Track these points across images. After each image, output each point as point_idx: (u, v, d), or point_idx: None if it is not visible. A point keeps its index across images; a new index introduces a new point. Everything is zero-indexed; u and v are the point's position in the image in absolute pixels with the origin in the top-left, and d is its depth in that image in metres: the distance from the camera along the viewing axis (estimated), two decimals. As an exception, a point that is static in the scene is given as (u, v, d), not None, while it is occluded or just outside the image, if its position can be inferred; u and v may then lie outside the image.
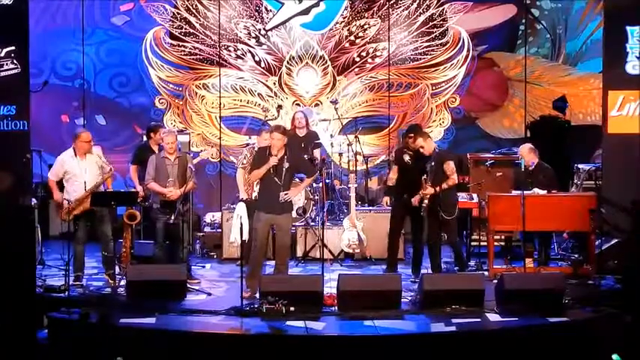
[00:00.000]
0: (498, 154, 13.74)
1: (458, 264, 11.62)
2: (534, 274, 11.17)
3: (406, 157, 11.69)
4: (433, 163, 11.27)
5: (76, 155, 11.17)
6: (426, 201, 11.24)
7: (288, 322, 9.44)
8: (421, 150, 11.35)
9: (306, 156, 13.02)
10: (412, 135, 11.69)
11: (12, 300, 9.55)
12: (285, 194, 10.52)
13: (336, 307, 9.95)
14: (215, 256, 13.18)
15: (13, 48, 11.55)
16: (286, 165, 10.52)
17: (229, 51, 15.37)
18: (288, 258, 10.99)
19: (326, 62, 15.46)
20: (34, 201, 12.21)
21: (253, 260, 10.53)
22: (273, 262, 11.09)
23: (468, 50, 15.52)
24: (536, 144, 12.64)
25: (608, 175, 12.36)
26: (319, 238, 12.16)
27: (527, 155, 11.89)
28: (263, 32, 15.39)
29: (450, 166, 11.23)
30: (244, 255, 10.42)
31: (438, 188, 11.13)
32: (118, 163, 12.87)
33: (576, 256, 12.08)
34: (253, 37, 15.37)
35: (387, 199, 12.45)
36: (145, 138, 12.87)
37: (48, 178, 11.31)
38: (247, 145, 13.43)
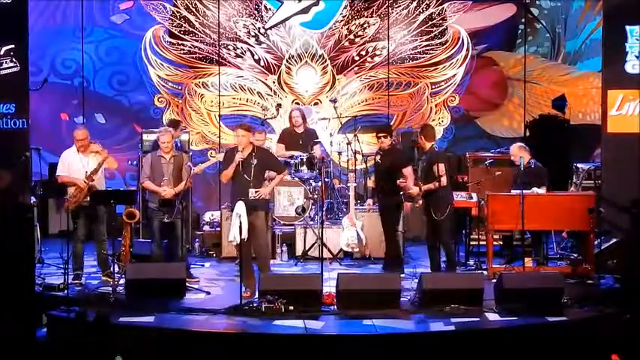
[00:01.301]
0: (497, 153, 13.73)
1: (447, 265, 11.53)
2: (533, 273, 11.17)
3: (377, 158, 11.77)
4: (425, 163, 11.28)
5: (78, 151, 11.23)
6: (420, 201, 11.28)
7: (287, 321, 9.44)
8: (421, 146, 11.36)
9: (306, 154, 13.05)
10: (379, 135, 11.75)
11: (11, 298, 9.56)
12: (256, 192, 10.49)
13: (335, 306, 9.95)
14: (214, 255, 13.17)
15: (12, 46, 11.55)
16: (254, 161, 10.50)
17: (229, 50, 15.37)
18: (269, 257, 10.94)
19: (325, 61, 15.46)
20: (33, 199, 12.22)
21: (242, 260, 10.50)
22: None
23: (468, 49, 15.53)
24: (535, 143, 12.65)
25: (607, 174, 12.36)
26: (318, 237, 12.15)
27: (517, 154, 11.89)
28: (262, 31, 15.39)
29: (440, 168, 11.09)
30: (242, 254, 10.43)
31: (424, 187, 11.13)
32: (117, 162, 12.87)
33: (575, 255, 12.07)
34: (253, 36, 15.37)
35: (369, 201, 12.57)
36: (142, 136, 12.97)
37: (58, 177, 11.31)
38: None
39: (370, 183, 13.88)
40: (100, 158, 11.26)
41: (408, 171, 11.35)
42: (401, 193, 11.39)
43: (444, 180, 11.08)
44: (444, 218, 11.17)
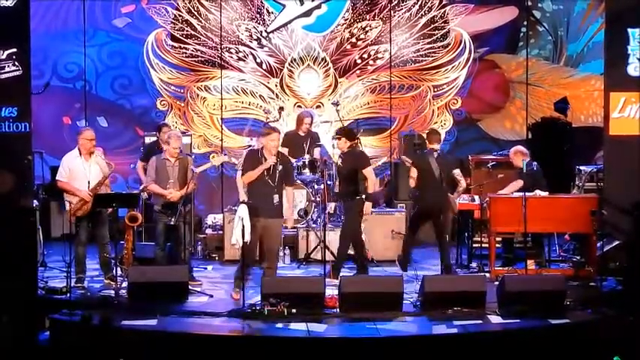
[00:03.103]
0: (500, 156, 13.72)
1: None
2: (535, 275, 11.18)
3: (339, 161, 11.82)
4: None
5: (80, 155, 11.23)
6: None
7: (290, 324, 9.44)
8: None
9: (308, 156, 13.04)
10: (334, 136, 12.03)
11: (13, 302, 9.56)
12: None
13: (338, 309, 9.95)
14: (217, 258, 13.17)
15: (14, 50, 11.52)
16: (279, 167, 10.47)
17: (231, 53, 15.37)
18: (277, 262, 10.91)
19: (327, 64, 15.47)
20: (35, 203, 12.21)
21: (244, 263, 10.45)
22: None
23: (470, 52, 15.53)
24: (537, 146, 12.63)
25: (609, 176, 12.33)
26: (321, 239, 12.15)
27: (513, 157, 11.96)
28: (265, 34, 15.40)
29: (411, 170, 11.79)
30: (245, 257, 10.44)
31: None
32: (119, 165, 12.89)
33: (578, 257, 12.08)
34: (255, 39, 15.38)
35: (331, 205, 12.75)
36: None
37: (58, 181, 11.30)
38: (249, 147, 13.42)
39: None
40: (102, 164, 11.28)
41: (368, 171, 11.44)
42: (362, 195, 11.44)
43: (409, 181, 11.76)
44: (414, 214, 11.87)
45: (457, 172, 11.74)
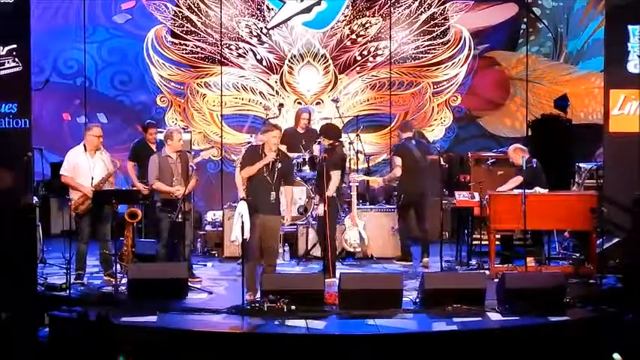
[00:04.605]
0: (500, 153, 13.72)
1: None
2: (535, 273, 11.17)
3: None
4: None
5: (85, 151, 11.21)
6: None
7: (290, 321, 9.44)
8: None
9: (307, 153, 13.04)
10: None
11: (13, 298, 9.56)
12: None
13: (338, 306, 9.95)
14: (216, 255, 13.17)
15: (14, 46, 11.56)
16: (279, 165, 10.45)
17: (231, 49, 15.37)
18: (277, 260, 10.89)
19: (327, 61, 15.46)
20: (35, 199, 12.22)
21: (250, 266, 10.45)
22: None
23: (470, 49, 15.53)
24: (537, 143, 12.62)
25: (609, 174, 12.35)
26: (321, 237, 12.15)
27: (512, 155, 11.97)
28: (265, 31, 15.39)
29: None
30: (245, 254, 10.43)
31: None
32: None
33: (577, 255, 12.08)
34: (255, 36, 15.38)
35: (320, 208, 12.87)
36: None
37: (62, 176, 11.27)
38: (249, 143, 13.42)
39: (372, 183, 13.90)
40: (108, 161, 11.29)
41: (334, 173, 11.68)
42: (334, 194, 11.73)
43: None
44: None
45: None
